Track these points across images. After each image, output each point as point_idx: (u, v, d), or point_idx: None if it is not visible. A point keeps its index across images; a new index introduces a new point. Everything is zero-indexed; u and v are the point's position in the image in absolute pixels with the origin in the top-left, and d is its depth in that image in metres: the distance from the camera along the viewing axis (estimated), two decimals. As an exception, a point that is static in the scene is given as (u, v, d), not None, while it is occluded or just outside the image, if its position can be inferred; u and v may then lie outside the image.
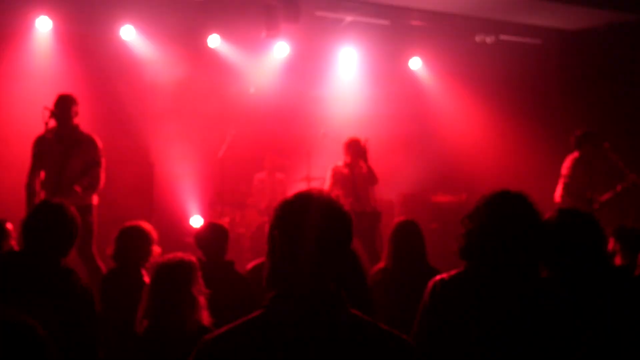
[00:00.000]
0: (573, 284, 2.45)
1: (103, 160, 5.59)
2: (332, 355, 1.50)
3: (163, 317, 2.89)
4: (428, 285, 2.27)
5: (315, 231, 1.55)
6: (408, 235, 4.14)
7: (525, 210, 2.24)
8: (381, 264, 4.21)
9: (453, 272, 2.28)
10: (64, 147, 5.48)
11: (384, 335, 1.57)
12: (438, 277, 2.27)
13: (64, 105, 5.50)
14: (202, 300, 2.97)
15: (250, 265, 4.29)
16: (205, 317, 2.94)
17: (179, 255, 3.06)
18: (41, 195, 5.42)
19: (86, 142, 5.57)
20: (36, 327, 1.30)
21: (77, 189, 5.31)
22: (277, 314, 1.54)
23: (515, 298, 2.14)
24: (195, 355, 1.55)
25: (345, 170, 6.87)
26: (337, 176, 6.86)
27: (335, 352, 1.50)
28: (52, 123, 5.48)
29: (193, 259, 3.06)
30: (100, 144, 5.62)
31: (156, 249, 4.00)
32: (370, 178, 6.82)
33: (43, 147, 5.46)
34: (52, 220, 2.90)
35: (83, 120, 5.67)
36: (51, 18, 7.83)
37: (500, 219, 2.21)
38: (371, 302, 2.82)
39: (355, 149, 6.82)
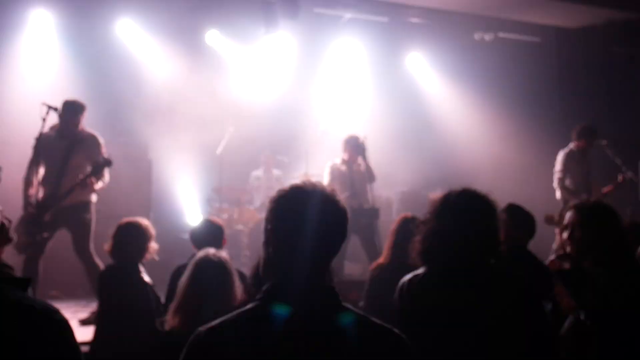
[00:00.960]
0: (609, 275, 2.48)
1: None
2: (327, 348, 1.50)
3: (205, 311, 2.85)
4: (397, 286, 2.31)
5: (311, 224, 1.54)
6: (411, 232, 4.13)
7: (470, 205, 2.23)
8: (380, 260, 4.21)
9: (419, 272, 2.30)
10: (67, 145, 5.47)
11: (378, 330, 1.57)
12: (406, 277, 2.29)
13: (71, 112, 5.48)
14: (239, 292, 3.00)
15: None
16: None
17: (211, 250, 3.09)
18: (42, 191, 5.39)
19: (88, 140, 5.56)
20: (57, 311, 1.46)
21: (91, 182, 5.32)
22: (271, 306, 1.53)
23: (474, 295, 2.15)
24: (188, 346, 1.53)
25: (343, 167, 6.87)
26: (335, 173, 6.85)
27: (330, 345, 1.50)
28: (51, 119, 5.44)
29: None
30: (101, 141, 5.61)
31: (153, 246, 4.00)
32: (369, 175, 6.81)
33: (44, 144, 5.41)
34: None
35: (80, 116, 5.65)
36: (48, 12, 7.79)
37: (448, 220, 2.23)
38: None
39: (354, 146, 6.80)
